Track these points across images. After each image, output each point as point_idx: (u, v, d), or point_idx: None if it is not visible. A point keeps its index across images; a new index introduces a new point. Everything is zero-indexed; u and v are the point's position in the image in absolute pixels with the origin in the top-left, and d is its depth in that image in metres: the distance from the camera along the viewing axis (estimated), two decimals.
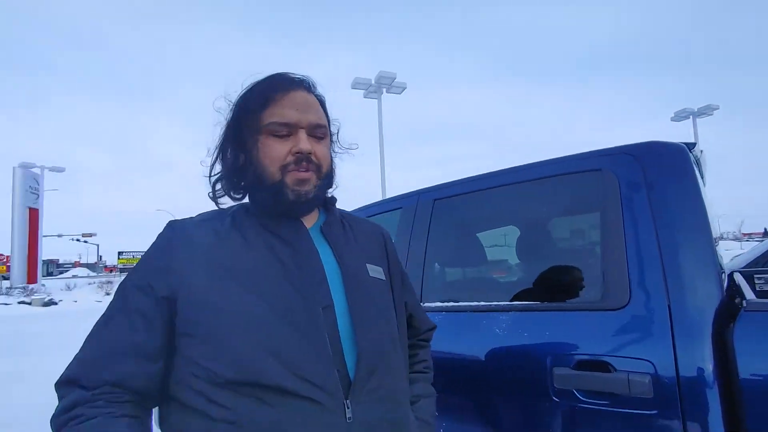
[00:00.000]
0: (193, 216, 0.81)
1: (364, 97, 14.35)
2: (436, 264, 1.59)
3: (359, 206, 2.01)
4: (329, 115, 0.85)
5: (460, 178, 1.62)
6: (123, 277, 0.78)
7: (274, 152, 0.75)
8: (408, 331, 0.93)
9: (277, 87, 0.77)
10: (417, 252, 1.58)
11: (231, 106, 0.80)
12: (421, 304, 1.49)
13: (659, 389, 0.95)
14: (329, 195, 0.88)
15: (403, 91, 14.21)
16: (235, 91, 0.80)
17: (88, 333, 0.70)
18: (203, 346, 0.66)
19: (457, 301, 1.43)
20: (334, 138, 0.88)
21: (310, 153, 0.75)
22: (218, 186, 0.80)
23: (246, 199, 0.83)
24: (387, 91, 14.13)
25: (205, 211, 0.83)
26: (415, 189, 1.71)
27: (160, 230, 0.77)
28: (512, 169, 1.44)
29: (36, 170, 22.16)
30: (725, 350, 0.93)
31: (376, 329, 0.76)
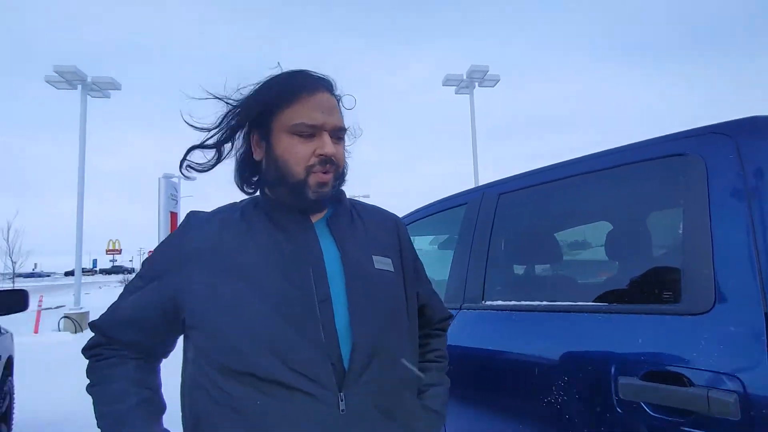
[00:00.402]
0: (212, 210, 0.86)
1: (456, 93, 14.09)
2: (499, 261, 1.52)
3: (428, 203, 2.01)
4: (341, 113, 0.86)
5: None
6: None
7: (300, 152, 0.77)
8: (420, 320, 0.93)
9: (304, 86, 0.78)
10: (479, 249, 1.53)
11: (247, 97, 0.81)
12: (483, 302, 1.45)
13: (749, 411, 0.80)
14: (341, 191, 0.90)
15: (496, 83, 13.64)
16: (247, 81, 0.82)
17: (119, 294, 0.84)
18: (208, 338, 0.73)
19: (519, 301, 1.35)
20: (348, 136, 0.88)
21: (332, 158, 0.78)
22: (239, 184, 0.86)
23: (257, 193, 0.87)
24: (479, 85, 13.69)
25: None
26: None
27: (183, 219, 0.85)
28: (578, 160, 1.31)
29: (174, 180, 26.02)
30: None
31: (375, 322, 0.76)
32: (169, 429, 0.78)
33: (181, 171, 0.85)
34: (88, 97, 12.21)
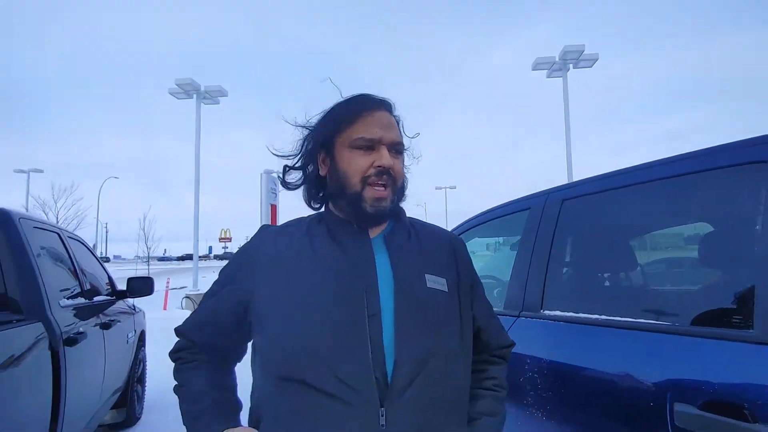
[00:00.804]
0: (282, 224, 0.94)
1: (548, 77, 13.20)
2: (560, 270, 1.47)
3: (495, 205, 2.00)
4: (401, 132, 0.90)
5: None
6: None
7: (358, 164, 0.82)
8: (478, 344, 0.91)
9: (365, 106, 0.84)
10: (540, 256, 1.50)
11: (316, 122, 0.89)
12: (542, 311, 1.43)
13: None
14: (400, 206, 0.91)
15: (594, 63, 12.45)
16: (316, 109, 0.90)
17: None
18: (267, 343, 0.80)
19: (577, 312, 1.31)
20: (408, 154, 0.93)
21: (389, 170, 0.82)
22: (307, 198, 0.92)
23: (322, 209, 0.92)
24: (574, 67, 12.65)
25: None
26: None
27: (256, 232, 0.91)
28: (645, 165, 1.22)
29: (273, 175, 28.35)
30: None
31: (421, 339, 0.77)
32: (244, 425, 0.81)
33: (284, 187, 0.95)
34: (202, 104, 13.81)
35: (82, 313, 2.26)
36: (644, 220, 1.32)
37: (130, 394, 3.43)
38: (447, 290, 0.85)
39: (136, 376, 3.59)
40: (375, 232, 0.88)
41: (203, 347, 0.88)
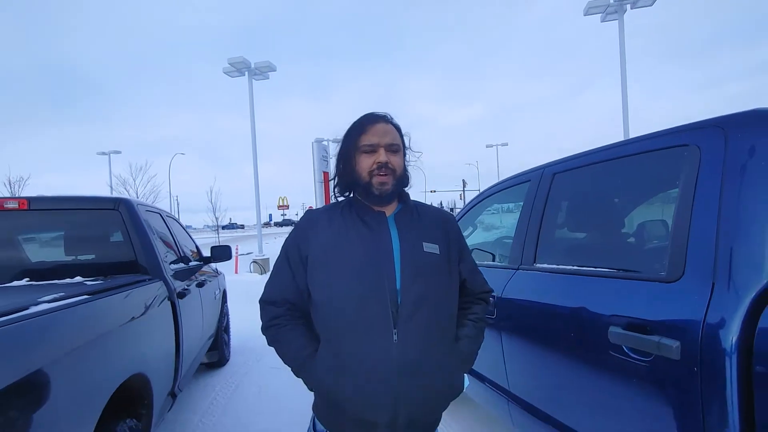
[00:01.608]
0: (323, 207, 1.26)
1: (602, 21, 12.34)
2: (548, 232, 1.80)
3: (497, 180, 2.32)
4: (402, 135, 1.21)
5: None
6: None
7: (365, 163, 1.14)
8: (465, 290, 1.25)
9: (367, 122, 1.16)
10: (535, 220, 1.85)
11: (342, 139, 1.21)
12: (534, 264, 1.80)
13: (688, 353, 1.06)
14: (406, 191, 1.24)
15: (654, 1, 11.46)
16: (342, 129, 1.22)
17: (271, 271, 1.23)
18: (318, 292, 1.12)
19: (557, 265, 1.67)
20: (409, 154, 1.25)
21: (387, 162, 1.13)
22: (337, 188, 1.24)
23: (351, 196, 1.22)
24: (632, 7, 11.73)
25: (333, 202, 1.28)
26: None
27: (300, 218, 1.25)
28: (609, 146, 1.51)
29: (324, 143, 29.07)
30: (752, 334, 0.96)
31: (419, 285, 1.09)
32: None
33: (334, 192, 1.25)
34: (253, 80, 14.52)
35: (183, 274, 2.91)
36: (607, 190, 1.61)
37: (219, 340, 4.23)
38: (439, 253, 1.17)
39: (222, 326, 4.39)
40: (389, 212, 1.20)
41: (292, 308, 1.17)
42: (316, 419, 1.19)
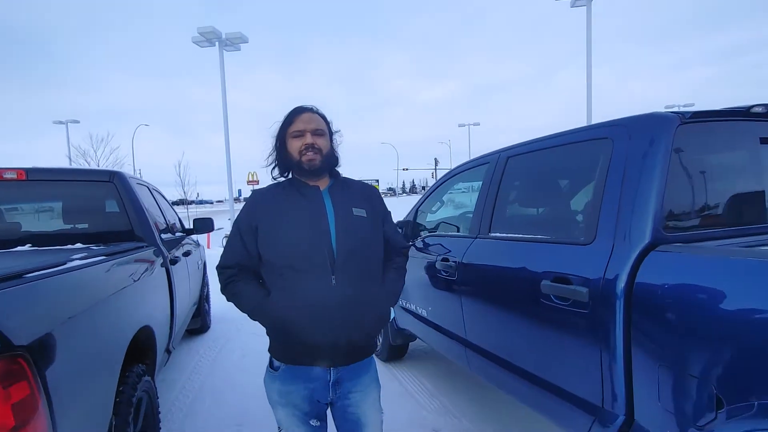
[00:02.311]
0: (266, 186, 1.48)
1: (571, 7, 12.75)
2: (502, 207, 2.15)
3: (467, 159, 2.63)
4: (328, 121, 1.46)
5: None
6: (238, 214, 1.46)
7: (294, 146, 1.39)
8: (388, 247, 1.52)
9: (295, 113, 1.41)
10: (491, 197, 2.19)
11: (278, 130, 1.44)
12: (489, 233, 2.14)
13: (594, 298, 1.43)
14: (337, 170, 1.48)
15: None
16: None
17: (225, 243, 1.46)
18: (268, 249, 1.35)
19: (507, 233, 2.02)
20: (336, 137, 1.49)
21: (312, 144, 1.38)
22: (275, 171, 1.47)
23: (289, 175, 1.46)
24: None
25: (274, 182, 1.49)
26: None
27: (250, 193, 1.50)
28: (552, 135, 1.85)
29: None
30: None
31: (349, 241, 1.35)
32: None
33: (272, 174, 1.49)
34: (224, 51, 14.16)
35: (172, 243, 3.12)
36: (548, 172, 1.96)
37: (201, 308, 4.46)
38: (366, 216, 1.43)
39: (204, 295, 4.61)
40: (323, 187, 1.44)
41: (242, 269, 1.41)
42: (272, 358, 1.44)
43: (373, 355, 1.51)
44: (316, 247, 1.32)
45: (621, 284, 1.34)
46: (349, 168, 1.57)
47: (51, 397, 1.03)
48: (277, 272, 1.35)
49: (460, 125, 38.71)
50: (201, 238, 7.95)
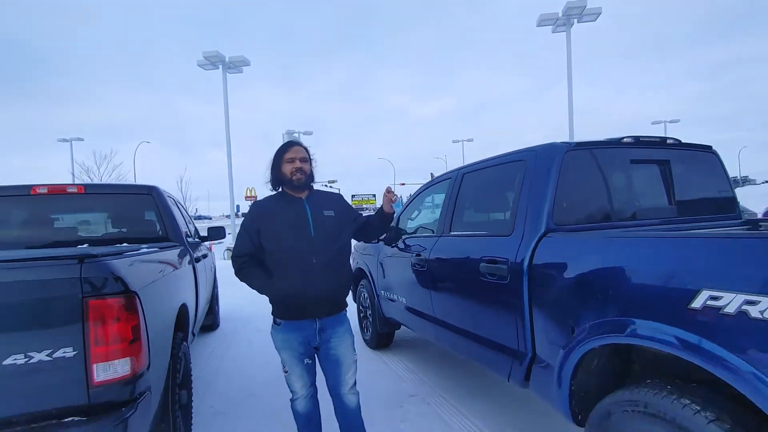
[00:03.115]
0: (264, 198, 2.11)
1: (552, 32, 13.63)
2: (459, 212, 2.78)
3: (440, 173, 3.27)
4: (309, 153, 2.07)
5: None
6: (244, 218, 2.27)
7: (287, 168, 1.99)
8: (366, 226, 2.22)
9: (289, 145, 2.05)
10: (451, 205, 2.82)
11: (273, 156, 2.06)
12: (451, 232, 2.77)
13: (511, 272, 2.04)
14: (312, 185, 2.09)
15: (597, 17, 12.82)
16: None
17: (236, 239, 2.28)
18: (269, 244, 1.94)
19: (462, 231, 2.64)
20: (313, 162, 2.14)
21: (300, 168, 1.99)
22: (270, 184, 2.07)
23: (280, 190, 2.07)
24: (578, 21, 13.04)
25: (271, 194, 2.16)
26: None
27: (250, 206, 2.14)
28: (492, 158, 2.50)
29: (295, 135, 29.45)
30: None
31: (324, 238, 1.96)
32: None
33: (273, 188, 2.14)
34: (227, 73, 14.97)
35: (194, 246, 3.73)
36: (488, 185, 2.60)
37: (214, 306, 5.03)
38: (333, 215, 2.05)
39: (215, 295, 5.19)
40: (303, 197, 2.05)
41: (252, 256, 2.00)
42: (275, 318, 2.03)
43: (346, 313, 2.11)
44: (301, 238, 1.94)
45: (526, 262, 1.96)
46: (350, 181, 2.31)
47: (148, 327, 1.64)
48: (276, 257, 1.95)
49: (454, 141, 39.70)
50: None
